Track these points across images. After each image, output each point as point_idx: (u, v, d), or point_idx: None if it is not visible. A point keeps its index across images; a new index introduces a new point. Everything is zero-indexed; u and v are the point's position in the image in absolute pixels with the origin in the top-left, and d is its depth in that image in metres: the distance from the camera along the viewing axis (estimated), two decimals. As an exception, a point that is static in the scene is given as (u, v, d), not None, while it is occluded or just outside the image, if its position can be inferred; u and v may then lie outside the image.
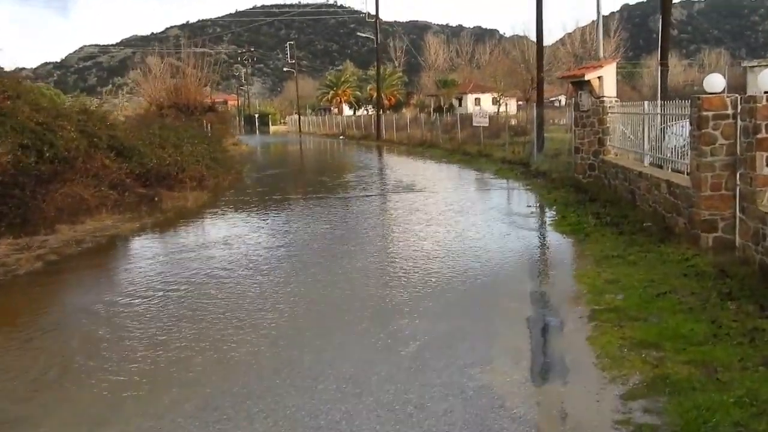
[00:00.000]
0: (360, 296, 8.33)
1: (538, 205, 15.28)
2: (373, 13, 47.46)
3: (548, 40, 78.43)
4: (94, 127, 20.25)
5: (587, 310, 7.27)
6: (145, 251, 12.30)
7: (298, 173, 27.79)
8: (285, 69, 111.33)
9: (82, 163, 18.90)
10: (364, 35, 54.21)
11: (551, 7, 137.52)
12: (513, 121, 36.09)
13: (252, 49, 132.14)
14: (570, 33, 74.09)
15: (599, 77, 16.12)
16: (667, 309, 7.08)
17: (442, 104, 76.10)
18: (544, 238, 11.56)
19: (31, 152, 17.98)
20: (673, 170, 11.63)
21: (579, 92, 16.83)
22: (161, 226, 14.93)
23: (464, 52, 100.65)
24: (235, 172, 26.42)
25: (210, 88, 45.92)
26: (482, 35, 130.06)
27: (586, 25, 76.29)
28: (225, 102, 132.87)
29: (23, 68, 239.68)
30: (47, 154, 18.06)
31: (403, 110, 78.79)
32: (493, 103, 69.60)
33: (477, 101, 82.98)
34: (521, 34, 71.66)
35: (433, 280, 8.99)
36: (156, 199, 19.11)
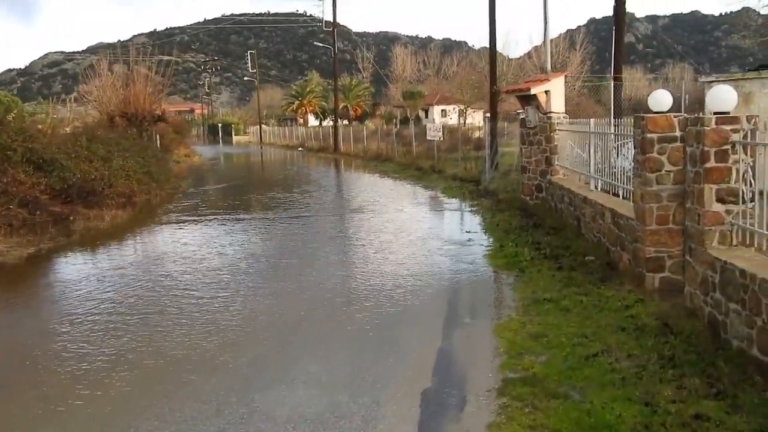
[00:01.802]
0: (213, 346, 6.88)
1: (477, 230, 13.92)
2: (336, 21, 46.06)
3: (516, 52, 77.91)
4: (9, 139, 18.57)
5: (498, 380, 5.89)
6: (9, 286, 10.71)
7: (240, 188, 26.22)
8: (246, 78, 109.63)
9: (-12, 178, 17.29)
10: (321, 45, 52.49)
11: (519, 21, 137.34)
12: (478, 134, 34.92)
13: (216, 58, 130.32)
14: (537, 46, 73.70)
15: (546, 91, 14.88)
16: (595, 379, 5.73)
17: (408, 115, 75.11)
18: (473, 273, 10.17)
19: None
20: (624, 197, 10.36)
21: (525, 107, 15.58)
22: (56, 251, 13.28)
23: (432, 64, 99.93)
24: (172, 187, 24.84)
25: (162, 96, 43.99)
26: (451, 47, 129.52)
27: (554, 38, 76.04)
28: (191, 110, 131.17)
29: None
30: (-55, 169, 16.49)
31: (367, 122, 77.70)
32: (459, 116, 68.68)
33: (443, 113, 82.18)
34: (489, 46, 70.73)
35: (317, 329, 7.64)
36: (71, 218, 17.49)
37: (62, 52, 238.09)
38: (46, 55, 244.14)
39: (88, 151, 22.15)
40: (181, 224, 16.61)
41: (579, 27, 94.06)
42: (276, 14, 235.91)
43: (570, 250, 10.88)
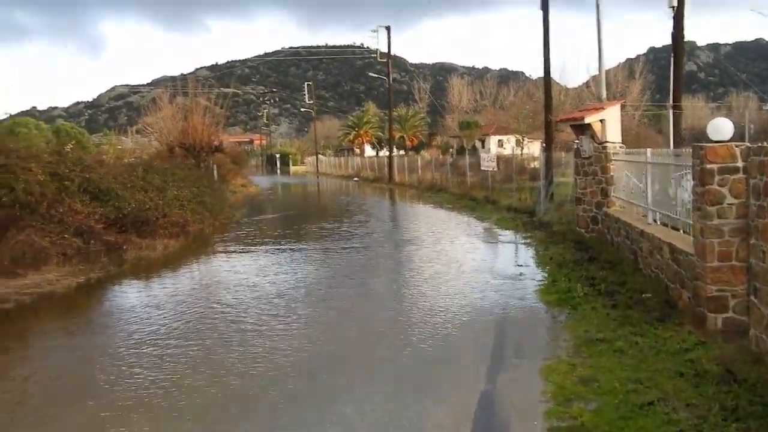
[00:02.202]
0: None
1: (530, 264, 13.45)
2: (391, 53, 46.21)
3: (574, 81, 76.85)
4: (66, 169, 18.96)
5: (544, 429, 5.49)
6: (49, 325, 10.70)
7: (293, 218, 26.19)
8: (303, 109, 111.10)
9: (47, 208, 17.61)
10: (376, 76, 52.77)
11: (576, 50, 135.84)
12: (534, 164, 34.37)
13: (274, 90, 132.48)
14: (595, 75, 72.76)
15: (601, 120, 14.41)
16: (650, 431, 5.28)
17: (464, 145, 74.79)
18: (523, 309, 9.75)
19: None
20: (684, 231, 9.82)
21: (580, 137, 15.12)
22: (105, 282, 13.33)
23: (488, 94, 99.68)
24: (226, 216, 24.99)
25: (220, 127, 44.69)
26: (507, 77, 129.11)
27: (612, 68, 74.90)
28: (250, 141, 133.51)
29: (56, 107, 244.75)
30: (4, 199, 16.82)
31: (423, 152, 77.58)
32: (516, 145, 68.04)
33: (500, 143, 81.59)
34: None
35: (357, 365, 7.31)
36: (124, 247, 17.64)
37: (128, 85, 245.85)
38: (112, 88, 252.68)
39: (144, 181, 22.50)
40: (232, 254, 16.59)
41: (638, 56, 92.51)
42: (333, 47, 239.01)
43: (626, 286, 10.36)
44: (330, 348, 8.24)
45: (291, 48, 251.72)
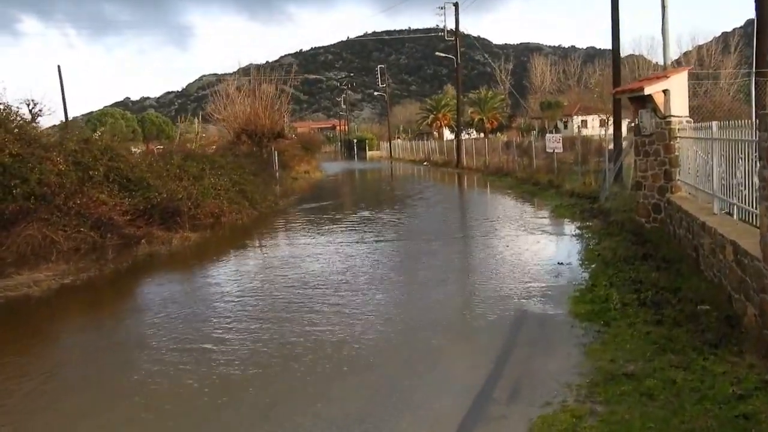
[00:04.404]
0: None
1: (573, 261, 11.36)
2: (459, 31, 43.94)
3: (663, 59, 72.20)
4: (92, 158, 17.94)
5: None
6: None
7: (340, 207, 24.54)
8: (375, 93, 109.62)
9: (65, 199, 16.60)
10: (442, 55, 50.40)
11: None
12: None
13: (352, 75, 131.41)
14: (686, 52, 68.01)
15: (664, 91, 12.07)
16: None
17: (546, 126, 71.80)
18: (543, 325, 7.77)
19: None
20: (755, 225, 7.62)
21: (640, 111, 12.82)
22: (88, 286, 11.97)
23: (572, 73, 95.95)
24: (267, 206, 23.61)
25: (284, 113, 43.61)
26: (594, 56, 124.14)
27: (705, 44, 69.97)
28: (333, 127, 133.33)
29: (147, 97, 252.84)
30: (17, 191, 15.88)
31: (498, 134, 74.85)
32: (600, 125, 64.58)
33: (583, 123, 78.11)
34: (635, 53, 66.08)
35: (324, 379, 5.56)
36: (143, 241, 16.44)
37: (215, 74, 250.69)
38: (200, 77, 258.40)
39: (180, 169, 21.37)
40: (246, 258, 15.07)
41: (734, 29, 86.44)
42: (416, 30, 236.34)
43: (679, 293, 8.21)
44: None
45: (374, 33, 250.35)
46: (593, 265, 10.69)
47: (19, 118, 17.78)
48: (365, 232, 16.70)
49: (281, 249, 15.30)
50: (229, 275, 12.24)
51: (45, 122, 40.50)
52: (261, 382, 6.49)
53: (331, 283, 10.80)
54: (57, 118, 45.99)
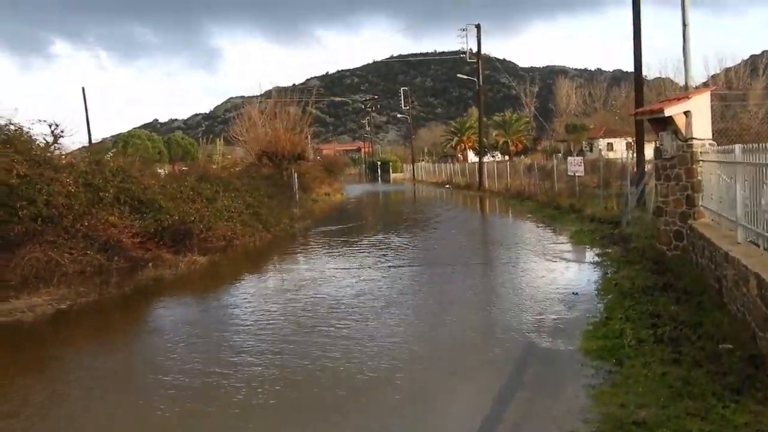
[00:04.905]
0: None
1: (589, 291, 10.77)
2: (481, 52, 43.54)
3: (684, 79, 71.16)
4: (103, 180, 17.72)
5: None
6: None
7: (358, 231, 24.02)
8: (400, 116, 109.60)
9: (72, 221, 16.35)
10: (465, 77, 49.93)
11: (697, 47, 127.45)
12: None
13: (376, 97, 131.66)
14: (714, 75, 66.92)
15: (685, 112, 11.51)
16: None
17: (571, 149, 71.04)
18: (549, 363, 7.21)
19: (2, 209, 15.67)
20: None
21: (660, 134, 12.25)
22: (86, 311, 11.62)
23: (598, 96, 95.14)
24: (282, 229, 23.22)
25: (304, 135, 43.46)
26: (620, 79, 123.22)
27: (733, 66, 68.83)
28: (358, 149, 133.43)
29: (175, 119, 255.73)
30: (24, 212, 15.65)
31: (522, 157, 74.19)
32: (627, 148, 63.68)
33: (609, 146, 77.19)
34: (661, 75, 65.08)
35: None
36: (150, 264, 16.09)
37: (242, 97, 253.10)
38: (228, 99, 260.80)
39: (193, 191, 21.09)
40: (260, 276, 14.69)
41: (764, 52, 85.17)
42: (442, 53, 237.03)
43: (700, 329, 7.61)
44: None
45: (399, 55, 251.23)
46: (609, 296, 10.10)
47: (31, 139, 17.64)
48: (378, 257, 16.20)
49: (288, 274, 14.85)
50: (228, 304, 11.82)
51: (71, 144, 40.75)
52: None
53: (328, 314, 10.33)
54: (84, 139, 46.51)
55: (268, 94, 49.36)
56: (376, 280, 12.94)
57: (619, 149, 71.41)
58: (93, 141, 46.86)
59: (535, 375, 6.87)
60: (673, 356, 6.88)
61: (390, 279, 13.04)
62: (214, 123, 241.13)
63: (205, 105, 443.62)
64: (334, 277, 13.52)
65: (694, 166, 11.54)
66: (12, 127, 17.47)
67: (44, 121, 19.03)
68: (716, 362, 6.55)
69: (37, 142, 17.99)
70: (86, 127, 52.20)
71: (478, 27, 42.65)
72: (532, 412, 5.86)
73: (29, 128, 18.04)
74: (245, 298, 12.00)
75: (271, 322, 9.92)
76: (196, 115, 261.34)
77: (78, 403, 6.86)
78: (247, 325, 9.76)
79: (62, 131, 19.92)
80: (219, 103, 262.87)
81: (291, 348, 8.36)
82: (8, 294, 12.62)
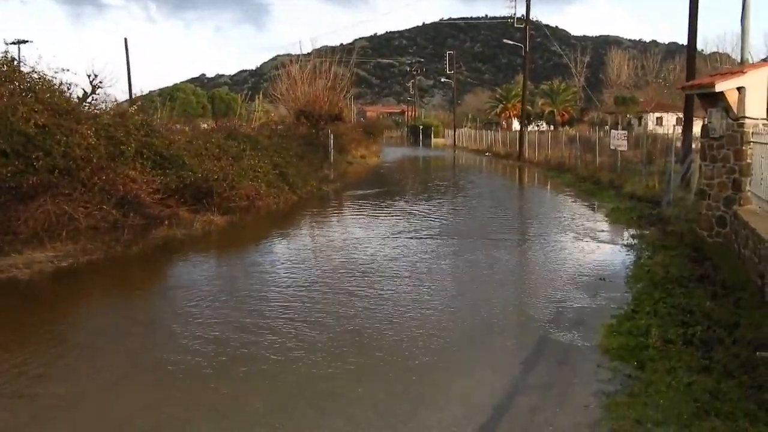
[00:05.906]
0: None
1: (618, 278, 9.93)
2: (529, 18, 42.03)
3: (741, 52, 68.11)
4: (124, 133, 17.23)
5: None
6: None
7: (383, 195, 23.28)
8: (442, 80, 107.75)
9: (90, 174, 15.92)
10: (511, 42, 48.26)
11: (754, 21, 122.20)
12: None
13: (421, 60, 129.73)
14: (780, 49, 64.01)
15: (738, 88, 10.48)
16: None
17: (619, 122, 69.08)
18: (561, 363, 6.46)
19: (17, 159, 15.27)
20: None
21: (709, 110, 11.23)
22: (84, 270, 11.15)
23: (651, 69, 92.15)
24: (309, 190, 22.60)
25: (343, 95, 42.72)
26: (675, 51, 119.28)
27: (800, 40, 65.66)
28: (402, 112, 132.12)
29: (222, 75, 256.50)
30: (39, 163, 15.24)
31: (567, 127, 72.35)
32: (677, 123, 61.64)
33: (658, 120, 74.91)
34: (719, 50, 62.37)
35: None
36: (166, 222, 15.65)
37: (289, 55, 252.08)
38: (275, 57, 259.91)
39: (220, 149, 20.58)
40: (277, 240, 14.11)
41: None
42: (492, 17, 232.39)
43: (737, 332, 6.77)
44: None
45: (449, 19, 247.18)
46: (639, 285, 9.27)
47: (52, 88, 17.18)
48: (402, 226, 15.53)
49: (304, 240, 14.27)
50: (238, 268, 11.29)
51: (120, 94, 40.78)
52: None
53: (339, 286, 9.71)
54: (128, 91, 46.47)
55: (314, 54, 48.56)
56: (392, 256, 12.26)
57: (668, 124, 69.27)
58: (137, 93, 46.53)
59: (544, 376, 6.13)
60: (703, 362, 6.08)
61: (411, 251, 12.36)
62: (260, 80, 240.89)
63: (252, 62, 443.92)
64: (342, 249, 12.86)
65: (743, 148, 10.54)
66: (35, 75, 17.10)
67: (75, 73, 18.78)
68: (751, 373, 5.75)
69: (64, 92, 17.53)
70: (127, 78, 51.93)
71: (525, -9, 41.10)
72: (533, 424, 5.15)
73: (53, 77, 17.62)
74: (253, 264, 11.46)
75: (263, 302, 9.35)
76: (243, 71, 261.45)
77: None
78: (234, 301, 9.20)
79: (101, 81, 19.68)
80: (266, 59, 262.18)
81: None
82: (14, 248, 12.23)
